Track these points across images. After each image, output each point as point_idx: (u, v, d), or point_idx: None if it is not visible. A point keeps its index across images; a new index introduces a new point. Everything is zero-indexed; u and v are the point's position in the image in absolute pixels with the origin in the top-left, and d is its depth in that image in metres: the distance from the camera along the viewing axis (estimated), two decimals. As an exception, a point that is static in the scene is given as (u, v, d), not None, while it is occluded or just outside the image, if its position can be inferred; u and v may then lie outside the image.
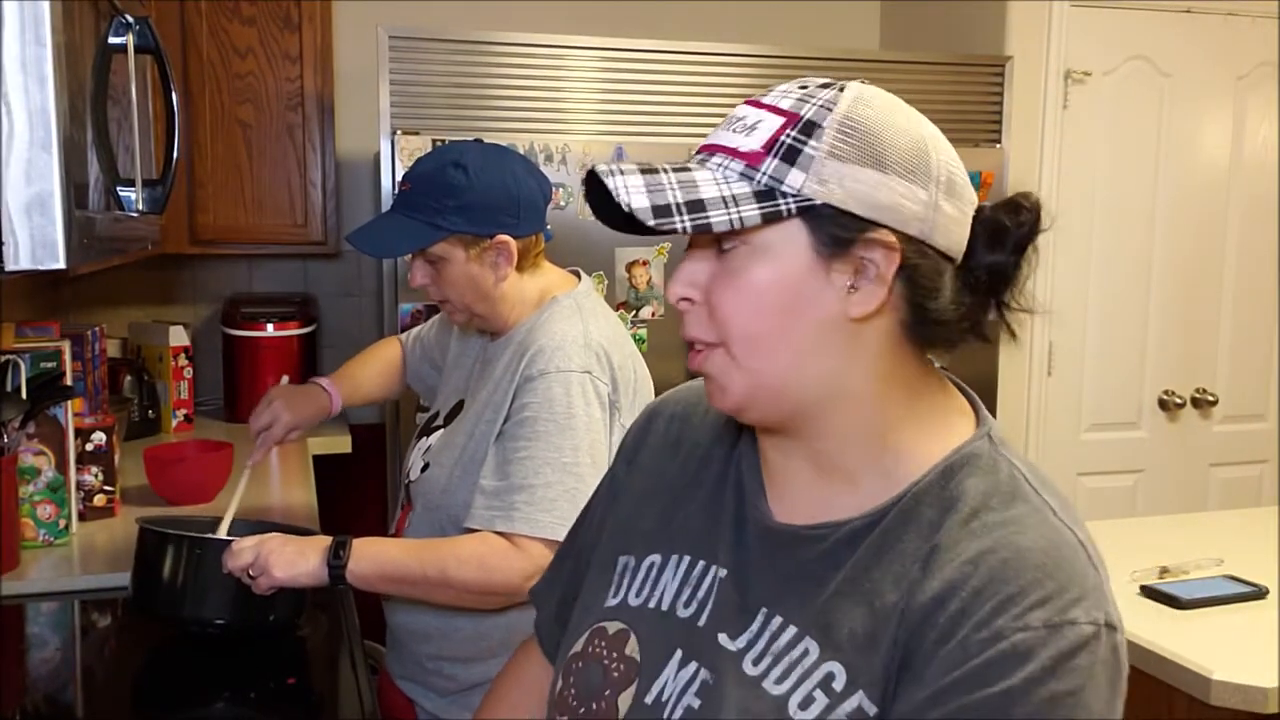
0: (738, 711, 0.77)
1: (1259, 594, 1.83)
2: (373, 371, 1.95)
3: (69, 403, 1.96)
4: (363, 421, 3.20)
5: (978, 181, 2.84)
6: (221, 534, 1.62)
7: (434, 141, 2.49)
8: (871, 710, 0.73)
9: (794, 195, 0.74)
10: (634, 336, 2.51)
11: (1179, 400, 3.32)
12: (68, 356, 2.10)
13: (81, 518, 2.04)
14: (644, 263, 2.59)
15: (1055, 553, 0.73)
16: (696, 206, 0.74)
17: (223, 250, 3.00)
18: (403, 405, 2.56)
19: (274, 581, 1.42)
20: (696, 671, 0.81)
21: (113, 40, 1.21)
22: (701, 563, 0.86)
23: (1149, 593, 1.83)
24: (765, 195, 0.75)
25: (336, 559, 1.43)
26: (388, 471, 3.10)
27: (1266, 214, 3.35)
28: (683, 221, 0.74)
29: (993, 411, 3.48)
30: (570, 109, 2.64)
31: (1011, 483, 0.78)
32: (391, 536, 1.69)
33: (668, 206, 0.74)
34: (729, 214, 0.74)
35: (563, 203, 2.51)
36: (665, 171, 0.77)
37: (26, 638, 1.64)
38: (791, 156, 0.75)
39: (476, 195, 1.50)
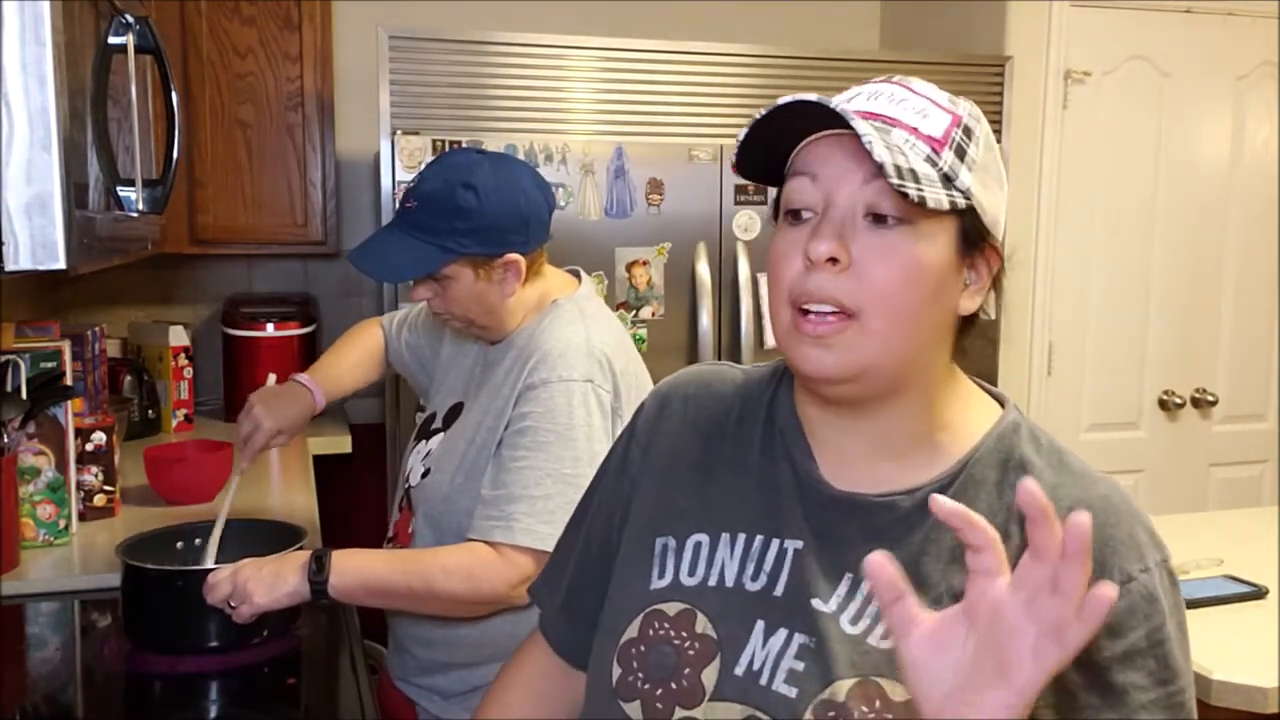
0: (848, 667, 0.80)
1: (1259, 594, 1.83)
2: (351, 363, 1.87)
3: (69, 403, 1.96)
4: (363, 421, 3.20)
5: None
6: (212, 546, 1.62)
7: (434, 142, 2.49)
8: None
9: (962, 192, 0.80)
10: (634, 336, 2.50)
11: (1179, 400, 3.32)
12: (68, 356, 2.10)
13: (81, 518, 2.04)
14: (644, 263, 2.58)
15: (1124, 499, 0.83)
16: (914, 176, 0.76)
17: (223, 250, 3.00)
18: (403, 405, 2.56)
19: (256, 609, 1.40)
20: (789, 637, 0.83)
21: (113, 40, 1.21)
22: (760, 537, 0.88)
23: (1149, 593, 1.83)
24: (945, 182, 0.79)
25: (317, 574, 1.41)
26: (388, 471, 3.10)
27: (1266, 214, 3.34)
28: (917, 191, 0.76)
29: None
30: (570, 109, 2.64)
31: (1052, 446, 0.87)
32: (390, 539, 1.68)
33: (899, 169, 0.75)
34: (936, 193, 0.77)
35: (563, 203, 2.50)
36: (879, 131, 0.77)
37: (26, 638, 1.64)
38: (961, 155, 0.81)
39: (488, 217, 1.47)
